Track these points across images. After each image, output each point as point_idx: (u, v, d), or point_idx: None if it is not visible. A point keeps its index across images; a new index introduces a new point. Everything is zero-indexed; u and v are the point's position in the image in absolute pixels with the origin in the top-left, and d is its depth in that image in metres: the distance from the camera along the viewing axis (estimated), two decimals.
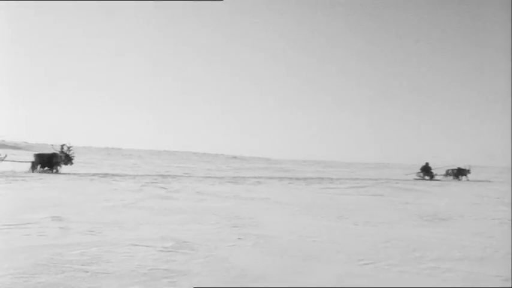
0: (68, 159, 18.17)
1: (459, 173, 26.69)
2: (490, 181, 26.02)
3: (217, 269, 4.00)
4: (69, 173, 17.52)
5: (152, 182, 14.61)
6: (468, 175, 26.59)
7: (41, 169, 17.91)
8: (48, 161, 17.97)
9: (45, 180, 13.93)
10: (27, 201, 8.58)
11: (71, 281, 3.48)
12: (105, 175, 18.07)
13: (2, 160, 17.75)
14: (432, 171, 26.19)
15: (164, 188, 12.45)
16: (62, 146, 18.31)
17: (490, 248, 5.35)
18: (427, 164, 26.42)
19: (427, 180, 25.00)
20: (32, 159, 18.08)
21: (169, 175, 19.53)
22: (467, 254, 4.98)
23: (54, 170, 18.01)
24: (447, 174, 27.01)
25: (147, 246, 4.74)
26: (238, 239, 5.38)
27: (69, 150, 18.31)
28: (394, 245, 5.30)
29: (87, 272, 3.75)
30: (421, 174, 26.30)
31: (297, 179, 20.74)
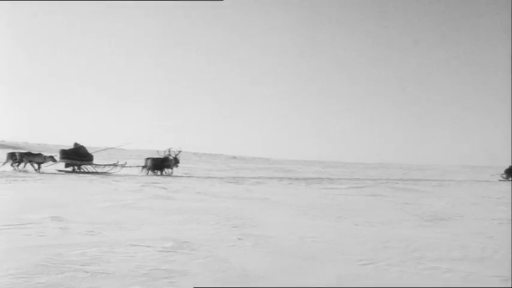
0: (176, 162, 19.30)
1: None
2: (490, 181, 26.00)
3: (217, 269, 4.00)
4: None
5: (152, 182, 14.61)
6: None
7: (153, 172, 19.16)
8: (161, 165, 19.23)
9: (45, 180, 13.93)
10: (27, 201, 8.58)
11: (70, 281, 3.48)
12: (105, 175, 18.07)
13: (123, 167, 19.28)
14: None
15: (164, 188, 12.45)
16: (169, 150, 19.40)
17: (490, 248, 5.34)
18: (511, 166, 27.10)
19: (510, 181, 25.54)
20: (144, 163, 19.44)
21: (169, 175, 19.54)
22: (467, 254, 4.98)
23: (165, 173, 19.24)
24: None
25: (147, 247, 4.74)
26: (238, 239, 5.38)
27: (178, 154, 19.45)
28: (394, 245, 5.30)
29: (87, 272, 3.75)
30: (505, 175, 26.90)
31: (297, 179, 20.75)
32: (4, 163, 17.77)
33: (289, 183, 17.03)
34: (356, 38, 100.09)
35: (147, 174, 18.93)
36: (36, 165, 17.90)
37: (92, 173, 18.47)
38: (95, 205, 8.14)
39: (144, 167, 19.35)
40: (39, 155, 18.07)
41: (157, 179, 16.44)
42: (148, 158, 19.52)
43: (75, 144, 18.93)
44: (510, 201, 11.62)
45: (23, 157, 17.69)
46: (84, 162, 18.84)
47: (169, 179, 17.09)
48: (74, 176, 17.04)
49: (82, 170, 18.73)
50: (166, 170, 19.37)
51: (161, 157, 19.37)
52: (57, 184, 12.76)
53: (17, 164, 17.69)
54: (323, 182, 18.70)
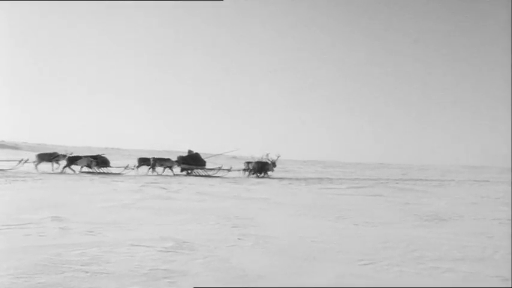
0: (273, 165, 20.94)
1: None
2: (489, 181, 25.99)
3: (217, 269, 4.00)
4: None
5: (152, 183, 14.60)
6: None
7: (255, 175, 20.67)
8: (262, 168, 20.90)
9: (45, 180, 13.93)
10: (27, 201, 8.58)
11: (70, 281, 3.48)
12: (106, 175, 18.07)
13: (230, 171, 20.84)
14: None
15: (164, 189, 12.44)
16: (267, 154, 20.93)
17: (490, 248, 5.35)
18: None
19: None
20: (248, 166, 20.99)
21: (169, 175, 19.54)
22: (467, 254, 4.98)
23: (266, 176, 20.67)
24: None
25: (147, 247, 4.74)
26: (238, 239, 5.38)
27: (276, 159, 20.91)
28: (394, 245, 5.30)
29: (87, 272, 3.75)
30: None
31: (297, 179, 20.73)
32: (137, 167, 20.01)
33: (289, 183, 17.02)
34: (356, 38, 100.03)
35: (258, 176, 20.42)
36: (163, 168, 20.11)
37: (205, 176, 20.17)
38: (95, 205, 8.14)
39: (246, 170, 20.93)
40: (168, 160, 20.22)
41: (156, 179, 16.42)
42: (250, 162, 21.08)
43: (190, 151, 20.75)
44: (510, 201, 11.62)
45: (156, 162, 19.88)
46: (199, 167, 20.72)
47: (168, 179, 17.09)
48: (74, 176, 17.04)
49: (195, 174, 20.54)
50: (265, 172, 20.87)
51: (262, 161, 21.07)
52: (57, 184, 12.76)
53: (150, 167, 19.80)
54: (323, 182, 18.70)
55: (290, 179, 20.69)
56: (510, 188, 18.56)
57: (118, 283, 3.49)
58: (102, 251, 4.49)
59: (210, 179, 18.39)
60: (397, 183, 20.03)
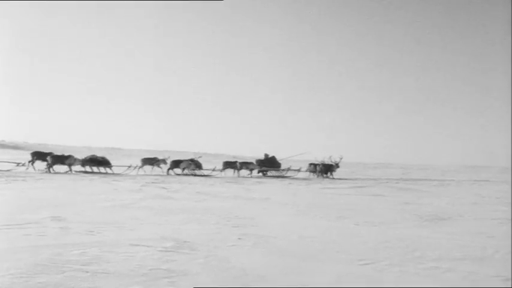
0: (337, 167, 22.53)
1: None
2: (489, 181, 25.98)
3: (217, 269, 4.01)
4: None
5: (152, 182, 14.61)
6: None
7: (321, 175, 22.16)
8: (327, 169, 22.39)
9: (45, 180, 13.94)
10: (27, 201, 8.59)
11: (71, 281, 3.49)
12: (106, 175, 18.09)
13: (299, 171, 22.26)
14: None
15: (164, 188, 12.45)
16: (330, 157, 22.50)
17: (490, 248, 5.34)
18: None
19: None
20: (315, 168, 22.50)
21: (169, 175, 19.56)
22: (467, 254, 4.98)
23: (331, 176, 22.06)
24: None
25: (147, 246, 4.74)
26: (238, 239, 5.39)
27: (339, 162, 22.39)
28: (394, 245, 5.30)
29: (87, 272, 3.75)
30: None
31: (297, 179, 20.73)
32: (222, 170, 21.63)
33: (289, 183, 17.02)
34: (356, 38, 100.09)
35: (321, 177, 21.88)
36: (248, 171, 21.66)
37: (278, 176, 21.55)
38: (95, 205, 8.15)
39: (313, 171, 22.46)
40: (252, 163, 22.00)
41: (156, 179, 16.42)
42: (317, 164, 22.48)
43: (266, 155, 22.61)
44: (510, 201, 11.62)
45: (242, 165, 21.73)
46: (275, 169, 22.37)
47: (169, 178, 17.09)
48: (74, 176, 17.06)
49: (269, 175, 22.08)
50: (331, 173, 22.25)
51: (327, 163, 22.49)
52: (57, 184, 12.76)
53: (237, 170, 21.49)
54: (323, 182, 18.69)
55: (290, 178, 20.69)
56: (510, 188, 18.55)
57: (118, 283, 3.49)
58: (102, 251, 4.49)
59: (210, 179, 18.40)
60: (397, 183, 20.01)
